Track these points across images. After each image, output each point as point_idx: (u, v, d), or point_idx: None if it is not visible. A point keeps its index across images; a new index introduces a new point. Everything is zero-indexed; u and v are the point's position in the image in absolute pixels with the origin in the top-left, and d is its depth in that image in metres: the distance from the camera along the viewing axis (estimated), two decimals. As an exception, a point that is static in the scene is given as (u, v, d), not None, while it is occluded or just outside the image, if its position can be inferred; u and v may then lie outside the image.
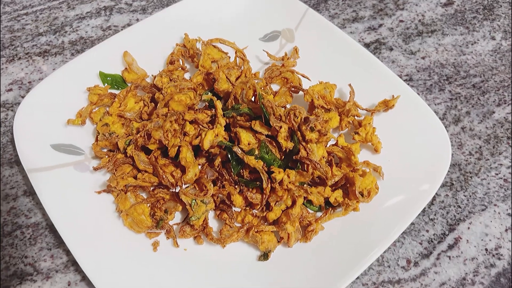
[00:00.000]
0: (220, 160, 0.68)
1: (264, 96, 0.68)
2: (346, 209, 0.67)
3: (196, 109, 0.71)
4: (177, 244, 0.66)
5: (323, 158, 0.68)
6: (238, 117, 0.68)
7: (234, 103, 0.72)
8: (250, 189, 0.67)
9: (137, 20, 0.96)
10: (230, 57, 0.83)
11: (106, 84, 0.80)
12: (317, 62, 0.84)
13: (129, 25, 0.95)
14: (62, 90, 0.77)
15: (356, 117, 0.75)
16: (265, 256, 0.65)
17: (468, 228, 0.71)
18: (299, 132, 0.66)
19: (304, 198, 0.67)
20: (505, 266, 0.67)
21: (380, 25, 0.96)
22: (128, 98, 0.75)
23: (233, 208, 0.68)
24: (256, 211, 0.68)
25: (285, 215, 0.65)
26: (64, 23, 0.96)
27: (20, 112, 0.73)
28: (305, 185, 0.68)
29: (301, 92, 0.78)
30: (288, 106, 0.78)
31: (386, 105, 0.76)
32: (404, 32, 0.95)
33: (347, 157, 0.71)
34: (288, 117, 0.66)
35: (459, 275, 0.67)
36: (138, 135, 0.67)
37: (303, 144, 0.66)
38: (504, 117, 0.82)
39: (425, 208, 0.72)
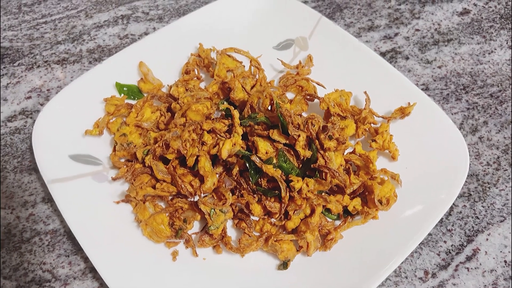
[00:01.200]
0: (238, 169, 0.68)
1: (282, 105, 0.68)
2: (366, 217, 0.67)
3: (213, 119, 0.72)
4: (196, 253, 0.66)
5: (341, 166, 0.68)
6: (256, 126, 0.68)
7: (250, 112, 0.72)
8: (269, 198, 0.67)
9: (154, 29, 0.97)
10: (244, 66, 0.84)
11: (122, 94, 0.80)
12: (331, 70, 0.84)
13: (146, 33, 0.96)
14: (80, 101, 0.77)
15: (372, 124, 0.75)
16: (284, 265, 0.65)
17: (487, 239, 0.70)
18: (317, 141, 0.66)
19: (323, 206, 0.66)
20: (525, 279, 0.67)
21: (396, 34, 0.95)
22: (145, 108, 0.75)
23: (252, 217, 0.68)
24: (275, 220, 0.68)
25: (304, 224, 0.65)
26: (82, 31, 0.97)
27: (38, 123, 0.74)
28: (323, 193, 0.68)
29: (316, 100, 0.78)
30: (304, 114, 0.78)
31: (403, 112, 0.75)
32: (420, 41, 0.94)
33: (365, 165, 0.70)
34: (306, 126, 0.66)
35: (477, 287, 0.66)
36: (156, 145, 0.67)
37: (321, 152, 0.66)
38: (523, 127, 0.81)
39: (442, 218, 0.71)
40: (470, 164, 0.76)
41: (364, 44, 0.84)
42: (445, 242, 0.70)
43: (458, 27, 0.97)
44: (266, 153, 0.66)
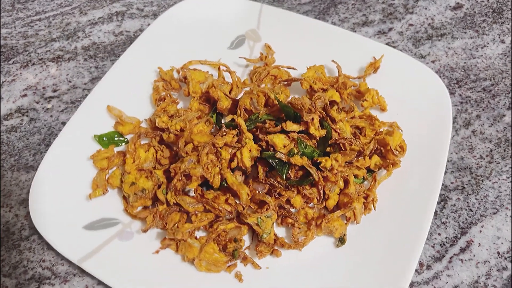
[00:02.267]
0: (262, 171, 0.68)
1: (279, 97, 0.70)
2: (389, 169, 0.71)
3: (216, 134, 0.70)
4: (258, 265, 0.65)
5: (351, 133, 0.72)
6: (267, 125, 0.69)
7: (249, 115, 0.73)
8: (304, 186, 0.67)
9: (149, 25, 0.97)
10: (212, 75, 0.82)
11: (109, 145, 0.75)
12: (292, 51, 0.86)
13: (140, 30, 0.96)
14: (64, 167, 0.72)
15: (353, 87, 0.80)
16: (342, 241, 0.67)
17: (480, 231, 0.71)
18: (328, 118, 0.69)
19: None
20: (517, 269, 0.68)
21: (390, 29, 0.96)
22: (138, 151, 0.72)
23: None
24: (313, 204, 0.69)
25: (344, 196, 0.68)
26: (76, 28, 0.97)
27: (33, 209, 0.68)
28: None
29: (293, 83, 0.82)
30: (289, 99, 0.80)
31: (374, 66, 0.82)
32: (414, 36, 0.95)
33: (369, 124, 0.75)
34: (315, 107, 0.68)
35: (471, 278, 0.67)
36: (175, 179, 0.64)
37: (333, 126, 0.69)
38: (515, 121, 0.82)
39: (436, 211, 0.73)
40: (463, 158, 0.78)
41: (312, 18, 0.88)
42: (439, 234, 0.71)
43: (451, 22, 0.98)
44: (284, 146, 0.67)
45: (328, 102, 0.71)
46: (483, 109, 0.84)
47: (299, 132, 0.68)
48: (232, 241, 0.65)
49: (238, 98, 0.77)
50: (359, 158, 0.71)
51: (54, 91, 0.87)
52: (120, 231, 0.68)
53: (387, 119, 0.77)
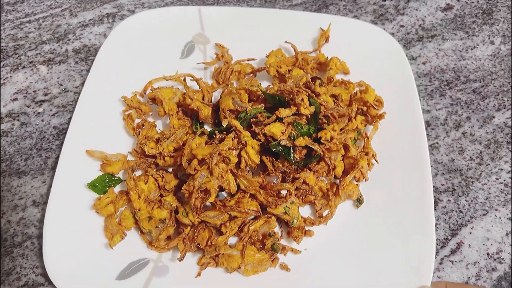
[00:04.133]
0: (269, 162, 0.70)
1: (261, 87, 0.75)
2: (375, 122, 0.77)
3: (213, 142, 0.69)
4: (297, 250, 0.67)
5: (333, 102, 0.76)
6: (260, 118, 0.71)
7: (236, 115, 0.73)
8: (313, 163, 0.70)
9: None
10: (178, 88, 0.80)
11: (102, 191, 0.72)
12: (243, 44, 0.87)
13: (132, 32, 0.95)
14: (69, 221, 0.69)
15: (313, 61, 0.85)
16: (360, 201, 0.71)
17: (470, 232, 0.73)
18: (313, 94, 0.73)
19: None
20: (506, 270, 0.69)
21: (381, 31, 0.97)
22: (139, 185, 0.69)
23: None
24: (323, 177, 0.72)
25: (348, 160, 0.72)
26: (67, 30, 0.96)
27: (55, 276, 0.64)
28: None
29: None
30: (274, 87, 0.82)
31: (325, 37, 0.87)
32: (405, 38, 0.96)
33: (345, 88, 0.80)
34: (299, 87, 0.73)
35: (461, 279, 0.69)
36: (193, 198, 0.63)
37: (318, 100, 0.73)
38: (504, 122, 0.83)
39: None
40: (454, 159, 0.79)
41: (253, 8, 0.92)
42: (430, 236, 0.72)
43: (442, 23, 0.98)
44: (282, 133, 0.69)
45: (310, 80, 0.76)
46: (473, 111, 0.85)
47: (292, 115, 0.71)
48: (267, 237, 0.67)
49: (214, 103, 0.78)
50: (349, 122, 0.75)
51: (45, 94, 0.86)
52: (153, 268, 0.66)
53: (354, 80, 0.82)
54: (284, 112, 0.70)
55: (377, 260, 0.66)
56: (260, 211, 0.67)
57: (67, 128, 0.76)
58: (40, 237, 0.71)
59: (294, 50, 0.85)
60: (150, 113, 0.80)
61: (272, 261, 0.66)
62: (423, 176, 0.71)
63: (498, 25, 0.98)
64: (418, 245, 0.66)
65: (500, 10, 1.01)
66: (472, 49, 0.94)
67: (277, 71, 0.81)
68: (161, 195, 0.70)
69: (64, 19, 0.98)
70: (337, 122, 0.73)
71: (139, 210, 0.68)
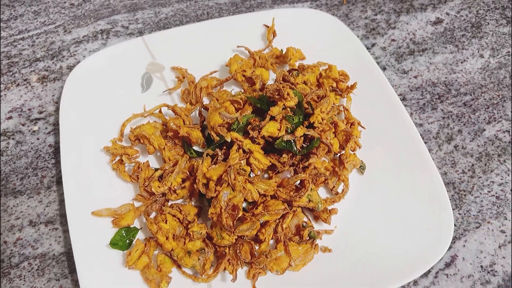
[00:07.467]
0: (276, 160, 0.73)
1: (247, 94, 0.79)
2: (347, 93, 0.83)
3: (215, 160, 0.70)
4: (330, 231, 0.71)
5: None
6: (254, 123, 0.73)
7: (228, 127, 0.75)
8: (317, 147, 0.74)
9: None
10: (156, 121, 0.80)
11: (126, 246, 0.69)
12: (199, 58, 0.89)
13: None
14: (106, 283, 0.66)
15: (270, 57, 0.90)
16: (363, 167, 0.77)
17: (464, 245, 0.74)
18: (292, 85, 0.78)
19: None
20: (499, 282, 0.70)
21: (373, 45, 0.98)
22: (162, 227, 0.68)
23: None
24: (324, 158, 0.77)
25: (340, 135, 0.78)
26: (61, 47, 0.96)
27: None
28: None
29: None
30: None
31: (271, 32, 0.92)
32: (396, 51, 0.97)
33: (311, 72, 0.85)
34: (281, 82, 0.78)
35: (456, 293, 0.70)
36: (223, 219, 0.63)
37: (297, 88, 0.78)
38: (494, 135, 0.85)
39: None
40: (446, 173, 0.80)
41: (195, 23, 0.93)
42: (425, 250, 0.73)
43: (432, 37, 1.00)
44: (279, 129, 0.72)
45: (287, 72, 0.81)
46: (464, 124, 0.87)
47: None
48: (301, 228, 0.69)
49: (198, 124, 0.79)
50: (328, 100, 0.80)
51: (40, 112, 0.86)
52: None
53: (310, 63, 0.88)
54: (275, 110, 0.73)
55: (399, 209, 0.73)
56: (287, 207, 0.69)
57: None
58: (36, 257, 0.71)
59: (249, 52, 0.88)
60: (138, 154, 0.77)
61: (314, 248, 0.68)
62: (408, 132, 0.78)
63: (487, 39, 1.00)
64: (427, 184, 0.73)
65: (488, 23, 1.03)
66: (462, 62, 0.96)
67: (244, 76, 0.84)
68: (185, 227, 0.69)
69: (58, 35, 0.99)
70: (320, 104, 0.76)
71: (172, 250, 0.66)
